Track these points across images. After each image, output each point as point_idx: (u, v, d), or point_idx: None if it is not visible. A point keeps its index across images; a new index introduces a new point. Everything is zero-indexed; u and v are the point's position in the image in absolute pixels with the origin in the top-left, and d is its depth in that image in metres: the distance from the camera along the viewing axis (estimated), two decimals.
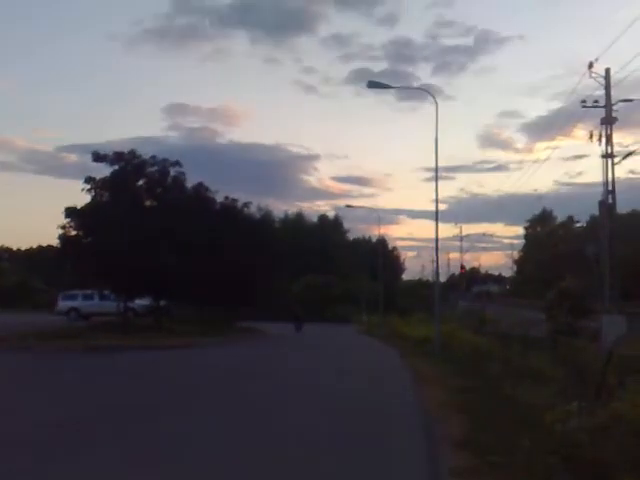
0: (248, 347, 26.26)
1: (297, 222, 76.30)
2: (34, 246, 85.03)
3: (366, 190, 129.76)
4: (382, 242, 64.77)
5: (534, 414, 8.97)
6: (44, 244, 73.85)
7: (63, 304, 36.74)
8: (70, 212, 27.20)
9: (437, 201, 24.72)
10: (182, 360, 19.84)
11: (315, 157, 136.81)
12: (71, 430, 8.13)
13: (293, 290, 61.46)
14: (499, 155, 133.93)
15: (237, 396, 11.88)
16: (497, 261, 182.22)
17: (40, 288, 57.42)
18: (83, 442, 7.45)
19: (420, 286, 73.51)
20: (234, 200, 35.75)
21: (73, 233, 27.58)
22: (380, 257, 45.11)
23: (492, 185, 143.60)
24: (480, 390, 12.02)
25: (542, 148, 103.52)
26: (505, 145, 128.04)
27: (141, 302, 35.33)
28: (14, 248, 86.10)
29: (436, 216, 23.99)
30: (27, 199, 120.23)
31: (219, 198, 34.38)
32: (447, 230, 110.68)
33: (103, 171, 28.33)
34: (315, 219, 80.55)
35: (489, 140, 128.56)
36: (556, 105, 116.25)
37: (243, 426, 8.79)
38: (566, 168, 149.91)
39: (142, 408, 10.16)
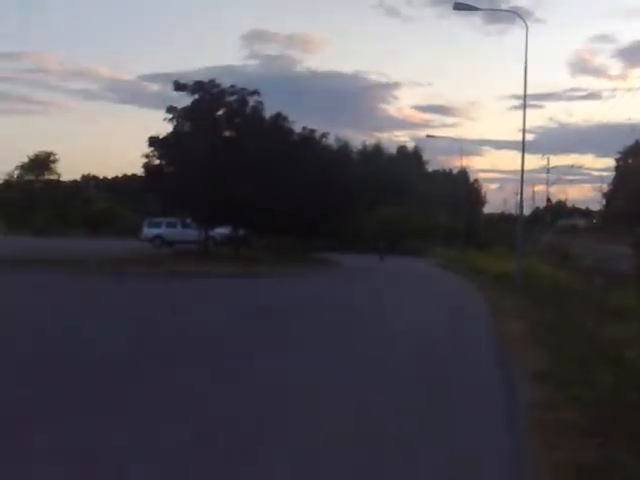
0: (328, 278, 26.58)
1: (375, 153, 75.29)
2: (119, 175, 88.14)
3: (448, 120, 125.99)
4: (464, 174, 63.44)
5: (616, 350, 8.77)
6: (129, 173, 76.40)
7: (148, 231, 38.21)
8: (153, 141, 27.93)
9: (524, 130, 23.93)
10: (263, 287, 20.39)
11: (395, 85, 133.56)
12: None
13: (371, 222, 61.43)
14: (591, 82, 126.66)
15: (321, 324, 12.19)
16: (585, 194, 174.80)
17: (126, 216, 59.84)
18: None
19: (502, 220, 71.87)
20: (312, 131, 35.56)
21: (156, 162, 28.36)
22: (461, 189, 44.23)
23: (583, 114, 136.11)
24: (560, 324, 11.82)
25: (637, 75, 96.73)
26: (598, 72, 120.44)
27: (221, 231, 36.33)
28: (100, 177, 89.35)
29: (522, 146, 23.20)
30: (111, 128, 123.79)
31: (297, 128, 34.30)
32: (533, 162, 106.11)
33: (184, 100, 28.77)
34: (394, 150, 79.38)
35: (581, 66, 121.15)
36: None
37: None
38: None
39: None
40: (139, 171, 29.48)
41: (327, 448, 4.97)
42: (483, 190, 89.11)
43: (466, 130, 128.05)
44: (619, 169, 75.97)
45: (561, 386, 6.93)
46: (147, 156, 28.14)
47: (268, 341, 9.79)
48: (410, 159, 77.72)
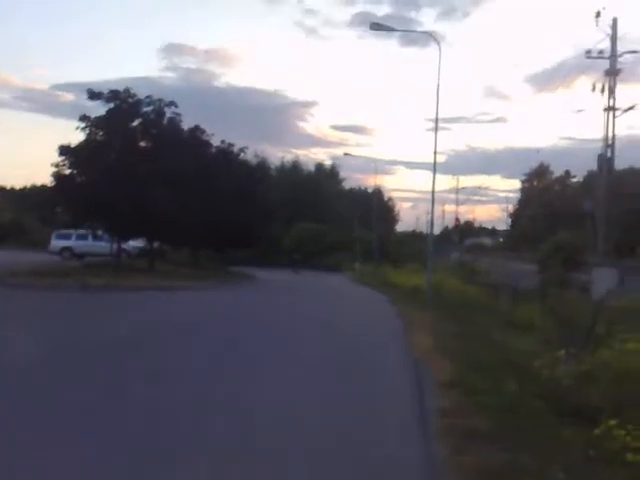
0: (243, 291, 26.40)
1: (293, 170, 75.62)
2: (28, 185, 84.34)
3: (364, 139, 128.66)
4: (378, 192, 64.70)
5: (522, 360, 9.09)
6: (38, 183, 73.21)
7: (56, 243, 36.77)
8: (64, 150, 26.79)
9: (435, 152, 24.60)
10: (178, 300, 19.95)
11: (313, 103, 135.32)
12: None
13: (287, 237, 61.51)
14: (501, 106, 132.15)
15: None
16: (492, 215, 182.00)
17: (34, 227, 57.20)
18: None
19: (414, 237, 73.70)
20: (230, 144, 35.32)
21: (67, 172, 27.23)
22: (375, 207, 45.05)
23: (492, 137, 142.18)
24: (469, 336, 12.15)
25: (544, 100, 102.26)
26: (507, 96, 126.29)
27: (135, 244, 35.35)
28: (8, 187, 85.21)
29: (434, 167, 23.80)
30: (22, 138, 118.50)
31: (215, 142, 33.96)
32: (444, 182, 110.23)
33: (98, 111, 27.84)
34: (312, 167, 79.98)
35: (492, 90, 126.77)
36: (561, 57, 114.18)
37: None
38: (566, 121, 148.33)
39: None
40: (49, 181, 28.21)
41: None
42: (396, 208, 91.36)
43: (382, 150, 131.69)
44: (524, 191, 79.71)
45: (468, 394, 7.08)
46: (57, 165, 26.93)
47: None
48: (327, 176, 78.55)
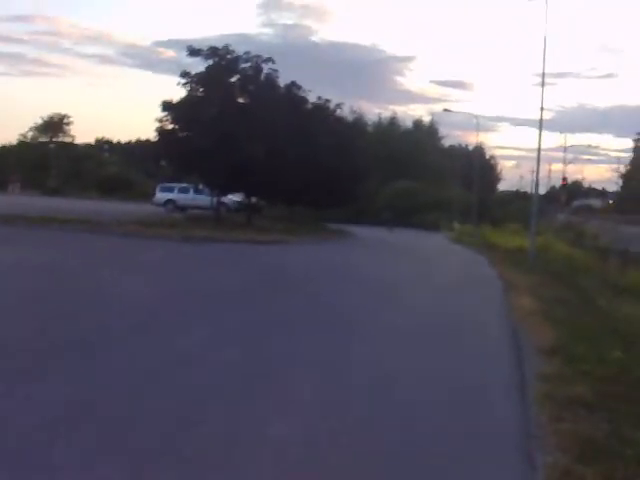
0: (342, 247, 26.65)
1: (391, 126, 74.63)
2: (133, 140, 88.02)
3: (465, 95, 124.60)
4: (479, 149, 62.84)
5: (630, 327, 8.71)
6: (143, 138, 76.31)
7: (160, 196, 38.38)
8: (167, 106, 27.76)
9: (542, 108, 23.40)
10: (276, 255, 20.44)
11: (412, 58, 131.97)
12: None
13: (384, 194, 61.19)
14: (613, 61, 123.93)
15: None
16: (602, 175, 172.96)
17: (139, 180, 59.93)
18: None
19: (517, 197, 71.30)
20: (327, 101, 35.28)
21: (169, 127, 28.22)
22: (476, 165, 43.82)
23: (603, 94, 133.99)
24: (573, 301, 11.75)
25: None
26: (619, 51, 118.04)
27: (234, 198, 36.34)
28: (114, 140, 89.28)
29: (540, 124, 22.91)
30: (126, 93, 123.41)
31: (312, 98, 33.99)
32: (551, 140, 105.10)
33: (199, 67, 28.53)
34: (410, 124, 78.58)
35: (603, 45, 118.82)
36: None
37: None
38: None
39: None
40: (153, 136, 29.37)
41: None
42: (499, 167, 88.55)
43: (484, 106, 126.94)
44: (637, 150, 74.86)
45: (571, 361, 6.89)
46: (160, 121, 28.00)
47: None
48: (426, 133, 76.98)
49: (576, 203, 76.56)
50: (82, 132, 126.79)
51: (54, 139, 68.76)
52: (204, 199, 33.50)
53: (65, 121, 69.56)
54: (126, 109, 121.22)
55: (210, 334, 7.37)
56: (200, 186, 33.09)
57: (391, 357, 7.13)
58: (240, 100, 29.30)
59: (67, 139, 69.79)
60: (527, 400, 5.65)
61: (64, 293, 9.38)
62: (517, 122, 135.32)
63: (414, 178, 63.90)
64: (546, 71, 21.98)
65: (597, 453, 4.35)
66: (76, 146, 70.09)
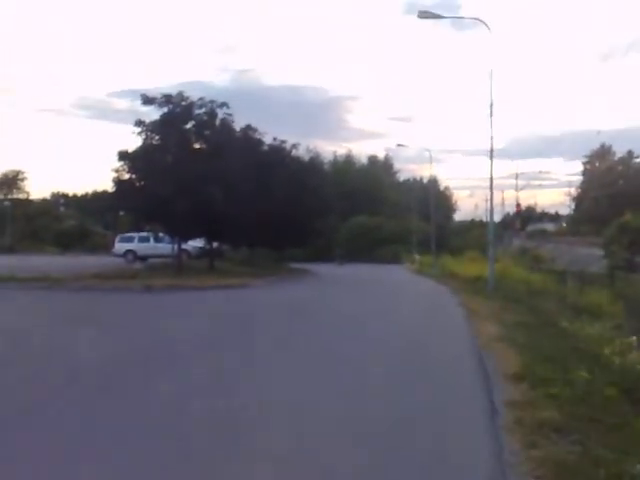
0: (303, 285, 26.66)
1: (347, 163, 75.70)
2: (89, 191, 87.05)
3: (417, 129, 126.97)
4: (433, 182, 63.87)
5: (591, 347, 8.81)
6: (99, 189, 75.55)
7: (120, 246, 37.82)
8: (122, 155, 27.53)
9: (492, 137, 24.04)
10: (248, 297, 20.26)
11: (359, 97, 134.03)
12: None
13: (342, 231, 61.66)
14: (557, 86, 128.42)
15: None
16: (554, 199, 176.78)
17: (97, 232, 59.09)
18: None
19: (473, 226, 72.57)
20: (282, 142, 35.53)
21: (126, 176, 27.97)
22: (432, 197, 44.51)
23: (551, 120, 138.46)
24: (535, 325, 11.87)
25: (604, 79, 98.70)
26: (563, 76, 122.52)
27: (194, 244, 36.03)
28: (70, 194, 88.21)
29: (491, 153, 23.31)
30: (81, 145, 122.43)
31: (267, 140, 34.21)
32: (503, 168, 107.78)
33: (153, 115, 28.52)
34: (365, 160, 79.76)
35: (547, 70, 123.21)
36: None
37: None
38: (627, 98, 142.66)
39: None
40: (110, 187, 29.09)
41: None
42: (454, 197, 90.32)
43: (435, 139, 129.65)
44: (587, 172, 77.27)
45: (538, 385, 6.90)
46: (116, 171, 27.71)
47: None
48: (381, 168, 78.30)
49: (530, 228, 78.28)
50: (37, 187, 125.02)
51: (9, 196, 67.56)
52: (165, 247, 33.12)
53: (19, 177, 68.58)
54: (81, 161, 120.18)
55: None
56: (160, 234, 32.75)
57: (356, 393, 7.03)
58: (196, 145, 29.32)
59: (22, 195, 68.71)
60: (498, 428, 5.62)
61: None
62: (469, 152, 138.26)
63: (373, 213, 64.72)
64: (494, 99, 22.53)
65: (572, 477, 4.32)
66: (31, 202, 68.95)
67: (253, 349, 9.75)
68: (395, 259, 55.02)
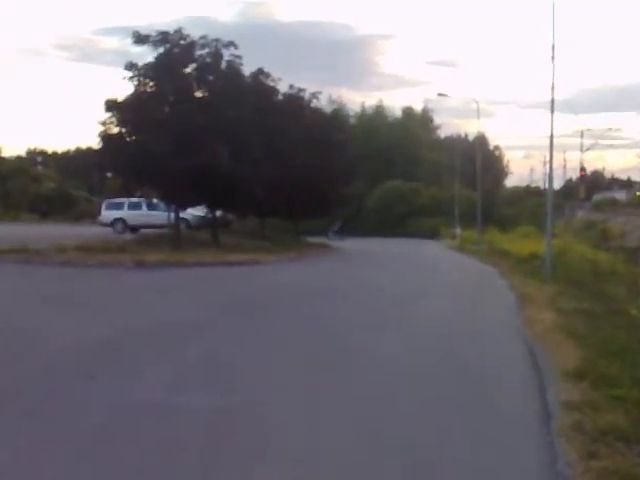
0: (323, 264, 26.80)
1: (377, 116, 75.16)
2: (71, 149, 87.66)
3: (462, 76, 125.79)
4: (482, 139, 63.27)
5: None
6: (82, 146, 76.12)
7: (107, 214, 38.08)
8: (111, 105, 27.54)
9: (553, 87, 23.54)
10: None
11: (397, 35, 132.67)
12: None
13: (371, 199, 61.54)
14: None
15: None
16: (626, 163, 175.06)
17: (81, 196, 59.60)
18: None
19: (528, 195, 72.07)
20: (300, 90, 35.40)
21: (115, 131, 28.04)
22: (479, 157, 44.11)
23: (624, 68, 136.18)
24: (600, 313, 11.82)
25: None
26: None
27: (195, 212, 36.22)
28: (49, 151, 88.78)
29: (552, 106, 22.92)
30: (61, 93, 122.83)
31: (282, 87, 34.10)
32: (566, 124, 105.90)
33: (147, 57, 28.40)
34: (399, 112, 79.13)
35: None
36: None
37: None
38: None
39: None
40: (95, 143, 29.14)
41: None
42: (505, 159, 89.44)
43: (484, 88, 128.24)
44: None
45: (601, 385, 6.91)
46: (104, 124, 27.75)
47: None
48: (418, 123, 77.57)
49: (597, 197, 77.51)
50: (10, 143, 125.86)
51: None
52: (160, 216, 33.31)
53: None
54: (62, 112, 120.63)
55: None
56: (154, 200, 32.88)
57: (399, 394, 7.11)
58: (198, 94, 29.24)
59: None
60: (553, 434, 5.65)
61: None
62: (525, 105, 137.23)
63: (407, 177, 64.37)
64: (558, 43, 22.01)
65: None
66: (3, 160, 69.59)
67: (263, 348, 9.71)
68: (433, 233, 54.91)
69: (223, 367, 8.09)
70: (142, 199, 34.37)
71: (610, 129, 75.44)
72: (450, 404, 6.72)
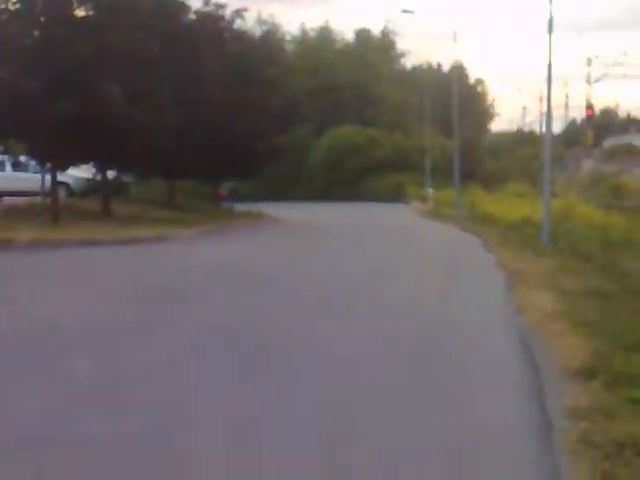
0: (252, 239, 26.85)
1: (322, 42, 74.90)
2: None
3: None
4: (459, 71, 63.59)
5: None
6: None
7: None
8: None
9: None
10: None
11: None
12: None
13: (316, 151, 61.52)
14: None
15: None
16: None
17: None
18: None
19: (519, 141, 73.01)
20: (219, 6, 35.03)
21: None
22: (455, 95, 44.36)
23: None
24: (613, 294, 12.03)
25: None
26: None
27: (79, 174, 35.71)
28: None
29: (550, 23, 23.16)
30: None
31: (195, 3, 33.73)
32: (567, 48, 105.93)
33: None
34: (351, 36, 79.01)
35: None
36: None
37: None
38: None
39: None
40: None
41: None
42: (490, 96, 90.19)
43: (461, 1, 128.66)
44: None
45: (617, 385, 7.04)
46: None
47: None
48: (377, 49, 77.52)
49: (609, 142, 78.75)
50: None
51: None
52: (30, 178, 32.79)
53: None
54: None
55: None
56: (22, 158, 32.30)
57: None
58: (79, 13, 28.74)
59: None
60: (555, 449, 5.74)
61: None
62: (514, 26, 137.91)
63: (363, 121, 64.42)
64: None
65: None
66: None
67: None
68: (397, 195, 55.21)
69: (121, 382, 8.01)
70: (5, 157, 33.72)
71: (625, 53, 76.68)
72: (426, 416, 6.78)
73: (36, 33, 27.18)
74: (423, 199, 49.50)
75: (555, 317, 10.56)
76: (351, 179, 59.87)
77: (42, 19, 27.30)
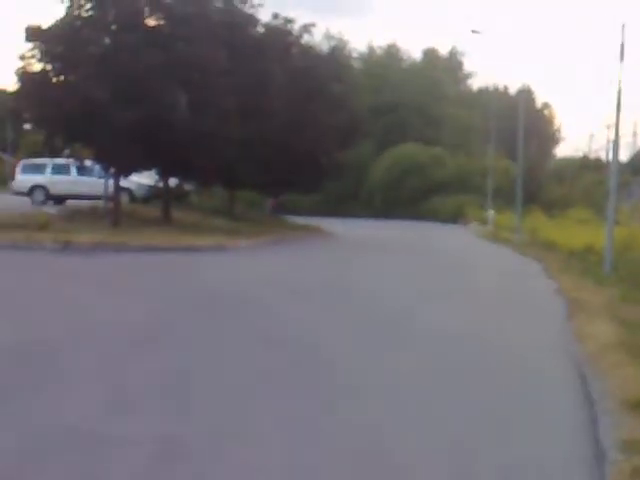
0: (308, 252, 26.90)
1: (388, 60, 75.07)
2: None
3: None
4: (526, 95, 63.17)
5: None
6: None
7: (23, 179, 37.86)
8: (33, 34, 27.36)
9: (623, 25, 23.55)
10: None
11: None
12: None
13: (378, 167, 61.47)
14: None
15: None
16: None
17: None
18: None
19: (584, 168, 72.13)
20: (288, 21, 35.28)
21: (38, 67, 27.89)
22: (521, 119, 44.07)
23: None
24: None
25: None
26: None
27: (142, 180, 36.11)
28: None
29: (621, 48, 22.94)
30: None
31: (264, 16, 34.00)
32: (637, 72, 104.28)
33: None
34: (418, 55, 79.05)
35: None
36: None
37: None
38: None
39: None
40: (11, 84, 29.06)
41: None
42: (557, 121, 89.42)
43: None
44: None
45: None
46: (23, 58, 27.62)
47: None
48: (444, 70, 77.44)
49: None
50: None
51: None
52: (94, 183, 33.18)
53: None
54: None
55: None
56: (87, 162, 32.75)
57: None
58: (150, 22, 29.12)
59: None
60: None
61: None
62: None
63: (426, 141, 64.28)
64: None
65: None
66: None
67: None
68: (457, 217, 54.96)
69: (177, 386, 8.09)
70: (71, 161, 34.16)
71: None
72: (478, 445, 6.75)
73: (107, 40, 27.71)
74: (483, 221, 49.22)
75: (614, 348, 10.44)
76: (411, 198, 59.76)
77: (113, 27, 27.78)
